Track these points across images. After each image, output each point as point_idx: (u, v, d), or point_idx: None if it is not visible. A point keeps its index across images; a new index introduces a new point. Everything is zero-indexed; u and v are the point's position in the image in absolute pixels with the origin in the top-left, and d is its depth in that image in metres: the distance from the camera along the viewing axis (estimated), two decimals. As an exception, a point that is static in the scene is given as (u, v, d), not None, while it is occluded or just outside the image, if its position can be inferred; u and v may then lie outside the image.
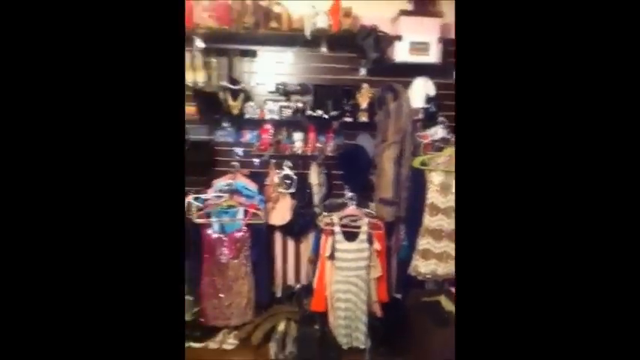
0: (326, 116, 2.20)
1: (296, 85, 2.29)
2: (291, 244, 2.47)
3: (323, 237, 2.13)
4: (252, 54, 2.34)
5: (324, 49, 2.31)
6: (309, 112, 2.21)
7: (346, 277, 2.11)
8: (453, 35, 2.30)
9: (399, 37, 2.18)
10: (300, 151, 2.31)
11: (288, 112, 2.22)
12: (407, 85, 2.29)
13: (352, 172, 2.34)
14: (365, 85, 2.27)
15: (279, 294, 2.44)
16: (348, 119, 2.24)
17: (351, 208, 2.16)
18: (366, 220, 2.12)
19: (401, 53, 2.18)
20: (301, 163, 2.38)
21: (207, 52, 2.26)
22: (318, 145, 2.31)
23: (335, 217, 2.11)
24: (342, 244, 2.10)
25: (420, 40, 2.17)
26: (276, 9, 2.13)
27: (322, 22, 2.07)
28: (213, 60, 2.28)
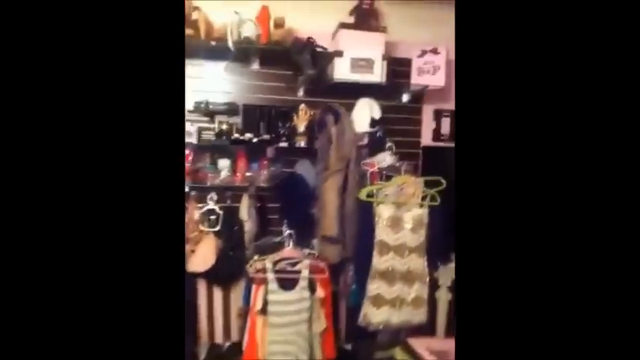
0: (255, 140, 1.86)
1: (221, 103, 1.94)
2: (218, 294, 2.04)
3: (254, 287, 1.75)
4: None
5: (255, 66, 2.01)
6: (235, 136, 1.86)
7: (283, 335, 1.72)
8: (398, 54, 2.17)
9: (339, 53, 1.94)
10: (226, 182, 1.93)
11: (209, 135, 1.86)
12: (350, 106, 2.06)
13: (290, 205, 2.01)
14: (302, 106, 1.99)
15: (203, 355, 1.99)
16: (284, 144, 1.93)
17: (288, 250, 1.82)
18: (306, 262, 1.78)
19: (342, 70, 1.94)
20: (230, 195, 2.00)
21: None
22: (249, 174, 1.96)
23: (268, 262, 1.74)
24: (278, 295, 1.72)
25: (363, 56, 1.94)
26: (194, 15, 1.80)
27: (249, 30, 1.77)
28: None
